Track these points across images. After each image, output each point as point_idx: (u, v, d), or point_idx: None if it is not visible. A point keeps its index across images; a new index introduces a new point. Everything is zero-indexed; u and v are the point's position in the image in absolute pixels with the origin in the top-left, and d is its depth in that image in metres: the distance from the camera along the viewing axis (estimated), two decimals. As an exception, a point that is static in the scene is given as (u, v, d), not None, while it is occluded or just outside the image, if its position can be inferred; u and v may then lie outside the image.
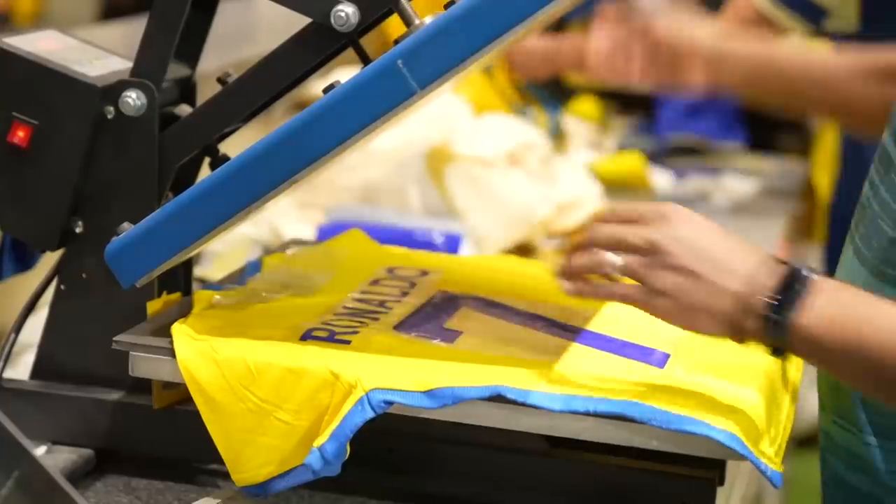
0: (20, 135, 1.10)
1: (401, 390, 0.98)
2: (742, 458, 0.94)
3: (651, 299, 0.95)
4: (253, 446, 1.01)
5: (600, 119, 2.63)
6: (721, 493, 1.03)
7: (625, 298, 0.97)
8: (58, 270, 1.14)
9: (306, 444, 0.99)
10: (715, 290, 0.93)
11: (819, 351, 0.92)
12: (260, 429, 1.01)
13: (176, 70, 1.15)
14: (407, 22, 1.05)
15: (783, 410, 1.03)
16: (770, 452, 0.96)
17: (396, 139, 1.69)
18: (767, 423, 0.98)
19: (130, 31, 1.88)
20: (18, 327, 1.14)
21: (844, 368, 0.93)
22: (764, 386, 1.02)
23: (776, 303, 0.91)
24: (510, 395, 0.96)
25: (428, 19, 1.01)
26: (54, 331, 1.14)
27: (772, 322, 0.91)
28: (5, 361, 1.13)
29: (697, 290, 0.93)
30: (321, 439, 0.98)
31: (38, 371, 1.15)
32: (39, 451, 1.11)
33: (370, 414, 0.97)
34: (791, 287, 0.91)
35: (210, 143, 1.15)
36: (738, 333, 0.94)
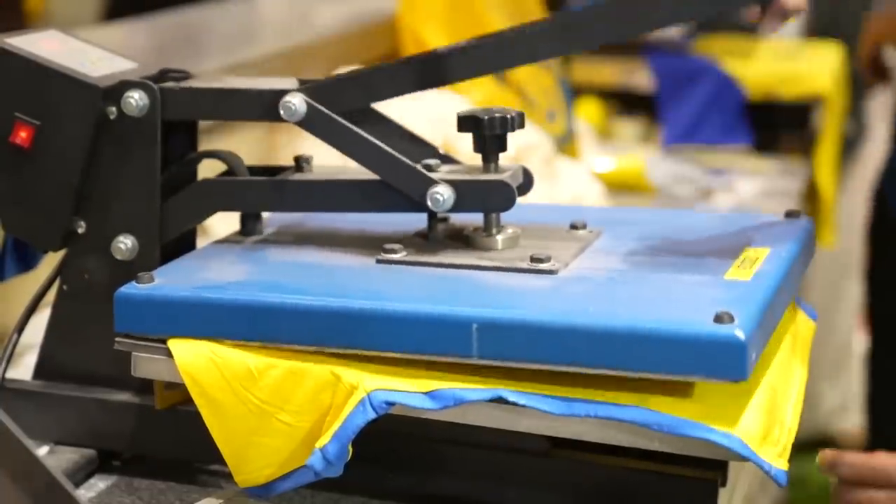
0: (22, 135, 1.10)
1: (402, 391, 0.98)
2: (745, 459, 0.94)
3: None
4: (255, 447, 1.01)
5: (603, 121, 2.64)
6: (723, 493, 1.03)
7: None
8: (60, 271, 1.14)
9: (308, 445, 0.99)
10: None
11: None
12: (261, 430, 1.01)
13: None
14: (487, 228, 1.09)
15: (787, 408, 1.03)
16: (774, 451, 0.96)
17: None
18: (770, 421, 0.98)
19: (134, 32, 1.89)
20: (21, 327, 1.14)
21: None
22: (766, 385, 1.02)
23: None
24: (511, 398, 0.96)
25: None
26: (56, 331, 1.14)
27: None
28: (7, 362, 1.13)
29: None
30: (323, 440, 0.98)
31: (40, 371, 1.15)
32: (41, 451, 1.11)
33: (372, 415, 0.97)
34: None
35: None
36: None
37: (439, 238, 1.12)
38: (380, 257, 1.08)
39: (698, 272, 1.04)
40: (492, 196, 1.08)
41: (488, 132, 1.09)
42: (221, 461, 1.03)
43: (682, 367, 0.92)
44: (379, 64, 1.14)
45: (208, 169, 1.18)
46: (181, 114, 1.12)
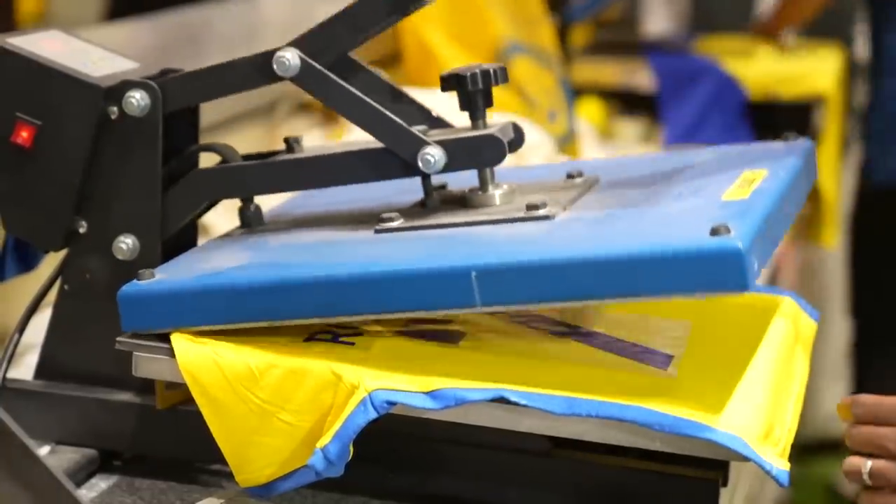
0: (23, 135, 1.10)
1: (404, 391, 0.98)
2: (746, 459, 0.94)
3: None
4: (256, 447, 1.01)
5: (604, 121, 2.64)
6: (724, 493, 1.03)
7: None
8: (61, 270, 1.14)
9: (309, 444, 0.99)
10: None
11: None
12: (262, 430, 1.01)
13: None
14: (483, 185, 1.08)
15: (789, 408, 1.03)
16: (776, 451, 0.96)
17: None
18: (772, 420, 0.98)
19: (135, 32, 1.89)
20: (22, 327, 1.14)
21: None
22: (768, 385, 1.02)
23: None
24: (513, 398, 0.96)
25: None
26: (57, 331, 1.14)
27: None
28: (9, 361, 1.13)
29: None
30: (324, 440, 0.98)
31: (41, 371, 1.15)
32: (43, 451, 1.11)
33: (373, 415, 0.97)
34: None
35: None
36: None
37: (436, 204, 1.12)
38: (378, 227, 1.08)
39: (696, 198, 1.03)
40: (482, 151, 1.07)
41: (472, 88, 1.09)
42: (222, 461, 1.03)
43: (684, 286, 0.91)
44: None
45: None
46: (181, 101, 1.11)
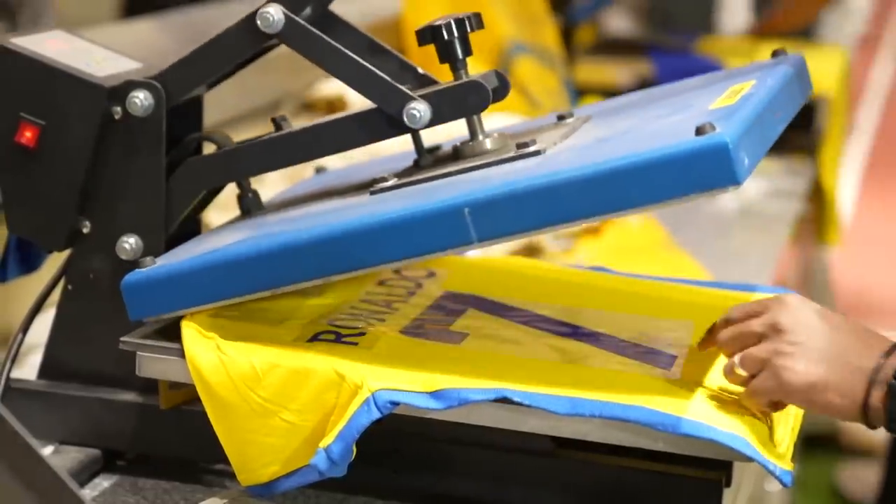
0: (28, 135, 1.10)
1: (407, 391, 0.98)
2: (749, 460, 0.94)
3: (776, 380, 0.94)
4: (258, 446, 1.01)
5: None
6: (728, 494, 1.03)
7: (755, 393, 0.96)
8: (65, 270, 1.14)
9: (312, 444, 0.99)
10: (842, 364, 0.93)
11: None
12: (265, 429, 1.01)
13: None
14: (472, 134, 1.08)
15: (791, 408, 1.03)
16: (779, 451, 0.96)
17: (399, 137, 1.69)
18: (775, 421, 0.98)
19: (151, 30, 1.89)
20: (26, 327, 1.14)
21: None
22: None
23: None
24: (516, 398, 0.96)
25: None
26: (61, 331, 1.14)
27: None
28: (13, 361, 1.13)
29: (826, 367, 0.93)
30: (327, 440, 0.98)
31: (45, 371, 1.15)
32: (47, 450, 1.11)
33: (376, 415, 0.97)
34: None
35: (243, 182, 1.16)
36: (863, 409, 0.93)
37: (429, 162, 1.12)
38: (373, 189, 1.08)
39: (683, 112, 1.03)
40: (466, 99, 1.07)
41: (448, 37, 1.09)
42: (225, 461, 1.03)
43: (676, 189, 0.90)
44: None
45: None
46: (184, 90, 1.11)
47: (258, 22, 1.08)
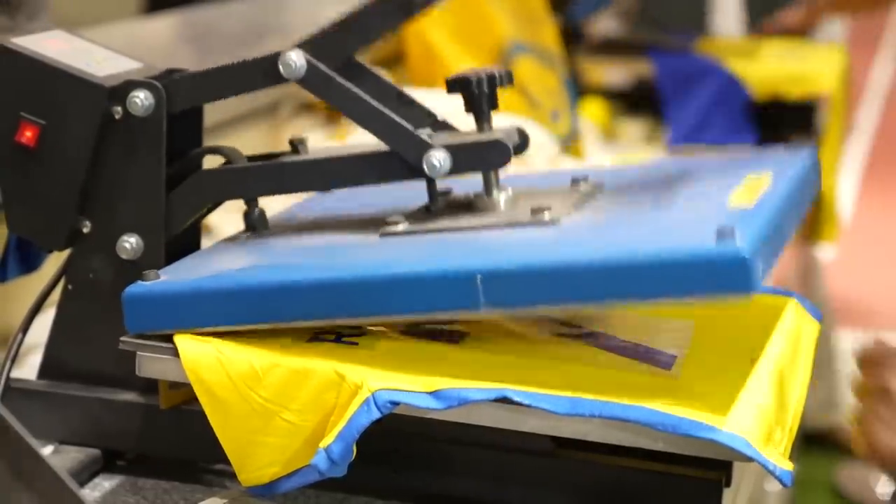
0: (28, 135, 1.10)
1: (407, 391, 0.98)
2: (749, 459, 0.94)
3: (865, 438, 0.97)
4: (258, 447, 1.01)
5: (607, 121, 2.64)
6: (728, 493, 1.03)
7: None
8: (65, 270, 1.14)
9: (312, 444, 0.99)
10: None
11: None
12: (265, 429, 1.01)
13: None
14: (487, 189, 1.08)
15: (791, 408, 1.03)
16: (778, 451, 0.96)
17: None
18: (775, 421, 0.98)
19: (170, 26, 1.89)
20: (26, 327, 1.15)
21: None
22: (771, 385, 1.02)
23: None
24: (516, 398, 0.96)
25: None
26: (61, 331, 1.14)
27: None
28: (13, 361, 1.13)
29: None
30: (327, 440, 0.98)
31: (45, 371, 1.15)
32: (46, 450, 1.11)
33: (376, 414, 0.97)
34: None
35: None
36: None
37: (441, 209, 1.12)
38: (383, 231, 1.08)
39: (701, 203, 1.03)
40: (488, 155, 1.07)
41: (477, 91, 1.09)
42: (226, 461, 1.03)
43: (689, 289, 0.91)
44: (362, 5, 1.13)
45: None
46: (187, 102, 1.11)
47: (280, 67, 1.08)
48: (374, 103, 1.08)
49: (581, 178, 1.15)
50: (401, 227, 1.08)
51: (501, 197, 1.09)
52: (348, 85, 1.09)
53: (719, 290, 0.91)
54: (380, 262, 1.01)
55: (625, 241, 0.96)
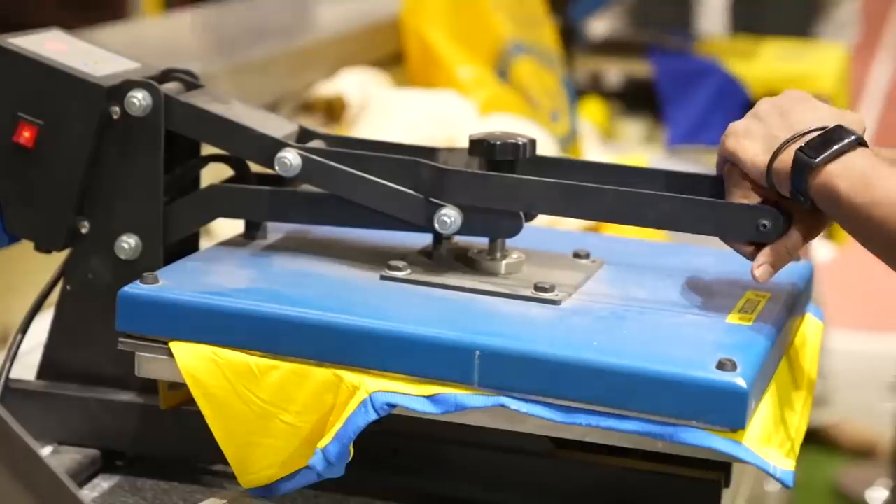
0: (26, 135, 1.10)
1: (404, 394, 0.98)
2: (748, 463, 0.94)
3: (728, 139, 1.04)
4: (257, 448, 1.01)
5: (606, 121, 2.64)
6: (727, 494, 1.03)
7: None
8: (64, 271, 1.14)
9: (310, 445, 0.99)
10: (776, 128, 1.02)
11: (830, 201, 0.98)
12: (264, 431, 1.01)
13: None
14: (492, 252, 1.10)
15: (795, 408, 1.03)
16: (780, 453, 0.96)
17: (400, 137, 1.69)
18: (776, 422, 0.98)
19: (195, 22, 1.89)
20: (25, 327, 1.14)
21: (854, 225, 0.99)
22: (775, 386, 1.01)
23: (813, 146, 0.99)
24: (513, 406, 0.96)
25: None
26: (60, 331, 1.14)
27: (801, 161, 0.98)
28: (12, 361, 1.13)
29: (761, 127, 1.02)
30: (325, 441, 0.98)
31: (44, 371, 1.15)
32: (45, 451, 1.11)
33: (373, 416, 0.97)
34: (832, 139, 1.00)
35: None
36: (773, 171, 1.00)
37: (444, 257, 1.12)
38: (384, 274, 1.08)
39: (700, 313, 1.04)
40: (499, 224, 1.08)
41: (499, 157, 1.09)
42: (225, 461, 1.03)
43: (681, 411, 0.93)
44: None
45: (212, 172, 1.18)
46: (183, 129, 1.11)
47: (276, 165, 1.09)
48: (375, 179, 1.08)
49: (583, 252, 1.15)
50: (401, 274, 1.08)
51: (504, 262, 1.10)
52: (345, 168, 1.09)
53: (712, 418, 0.92)
54: (377, 313, 1.00)
55: (626, 346, 0.97)
